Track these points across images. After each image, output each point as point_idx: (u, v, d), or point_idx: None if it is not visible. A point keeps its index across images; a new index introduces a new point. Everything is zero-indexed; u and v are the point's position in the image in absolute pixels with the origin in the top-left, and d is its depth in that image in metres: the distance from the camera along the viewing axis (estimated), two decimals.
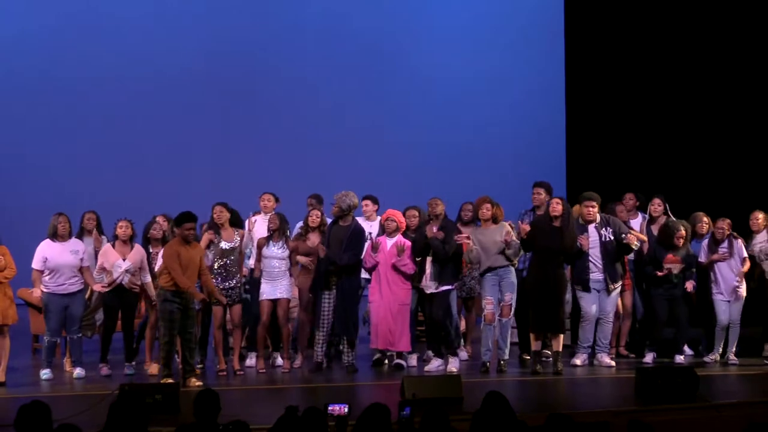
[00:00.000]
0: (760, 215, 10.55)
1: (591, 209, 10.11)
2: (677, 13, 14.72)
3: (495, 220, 10.01)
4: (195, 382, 9.14)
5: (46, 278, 9.64)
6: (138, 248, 9.99)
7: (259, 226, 10.58)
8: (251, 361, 10.41)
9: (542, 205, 10.44)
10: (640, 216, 11.07)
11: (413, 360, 10.35)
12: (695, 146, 14.41)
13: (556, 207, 9.81)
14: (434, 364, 10.03)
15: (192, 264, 9.30)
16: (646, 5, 15.01)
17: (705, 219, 10.72)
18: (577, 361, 10.20)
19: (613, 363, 10.22)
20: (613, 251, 10.06)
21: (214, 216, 10.11)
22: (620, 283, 10.18)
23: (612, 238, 10.07)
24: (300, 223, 10.57)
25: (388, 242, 10.10)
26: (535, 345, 9.97)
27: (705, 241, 10.53)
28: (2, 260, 9.30)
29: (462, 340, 10.66)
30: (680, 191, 11.53)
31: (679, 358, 10.33)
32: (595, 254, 10.05)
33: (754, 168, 13.94)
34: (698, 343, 10.79)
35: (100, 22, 15.42)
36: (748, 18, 14.12)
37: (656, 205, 10.94)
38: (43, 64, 15.28)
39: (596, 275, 10.07)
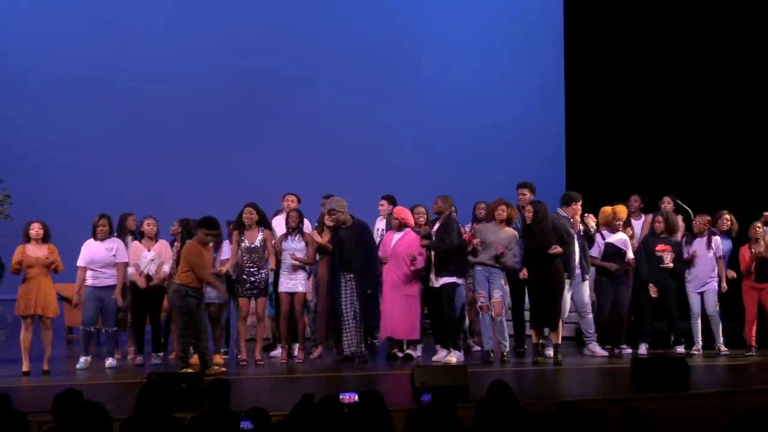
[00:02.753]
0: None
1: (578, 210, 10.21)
2: (674, 21, 14.63)
3: (509, 221, 9.99)
4: (218, 370, 9.13)
5: (86, 273, 9.80)
6: (162, 242, 10.18)
7: (278, 224, 10.58)
8: (275, 351, 10.41)
9: (528, 205, 10.44)
10: (644, 217, 11.00)
11: (419, 350, 10.34)
12: (692, 148, 14.32)
13: (527, 215, 9.80)
14: (440, 355, 10.00)
15: (207, 264, 9.34)
16: (643, 12, 14.93)
17: (726, 216, 10.69)
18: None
19: (605, 352, 10.20)
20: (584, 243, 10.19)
21: (244, 217, 10.04)
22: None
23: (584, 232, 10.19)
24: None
25: (395, 237, 10.09)
26: (535, 338, 9.93)
27: (684, 237, 10.54)
28: (50, 257, 9.51)
29: (469, 332, 10.67)
30: (678, 192, 11.47)
31: (679, 349, 10.28)
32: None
33: (750, 169, 13.83)
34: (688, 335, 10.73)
35: (131, 27, 15.53)
36: (743, 26, 14.01)
37: (632, 201, 10.92)
38: (76, 69, 15.39)
39: (576, 269, 10.10)
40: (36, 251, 9.54)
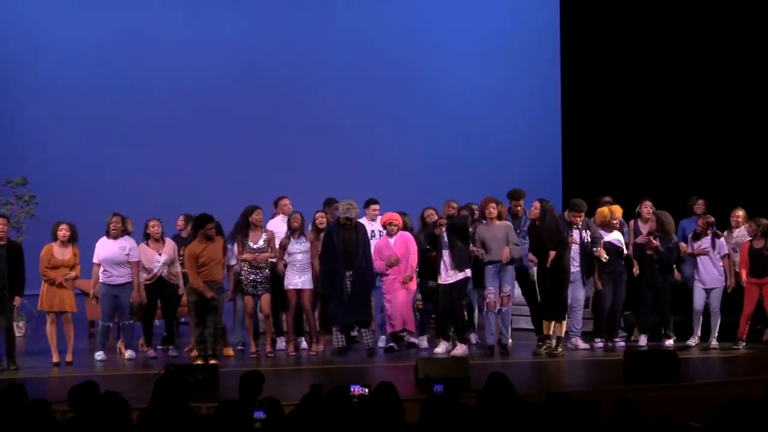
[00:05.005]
0: (740, 212, 10.53)
1: (577, 218, 10.09)
2: (668, 30, 14.61)
3: (500, 217, 10.02)
4: (216, 363, 9.11)
5: (101, 270, 9.79)
6: (170, 242, 10.15)
7: (276, 225, 10.58)
8: (281, 344, 10.44)
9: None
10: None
11: (424, 342, 10.36)
12: (687, 152, 14.30)
13: (534, 211, 9.85)
14: (442, 348, 10.01)
15: (214, 258, 9.35)
16: (637, 20, 14.91)
17: (739, 212, 10.70)
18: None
19: (587, 345, 10.20)
20: (590, 251, 10.07)
21: (254, 217, 10.01)
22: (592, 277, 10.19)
23: (589, 240, 10.08)
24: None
25: (391, 241, 10.13)
26: (546, 329, 9.93)
27: (690, 234, 10.53)
28: (73, 260, 9.59)
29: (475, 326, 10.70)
30: (668, 194, 11.47)
31: (668, 342, 10.28)
32: (575, 250, 10.02)
33: (740, 172, 13.81)
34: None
35: (150, 37, 15.68)
36: (736, 34, 14.00)
37: (647, 207, 10.86)
38: (99, 75, 15.56)
39: (574, 268, 10.03)
40: (62, 253, 9.58)
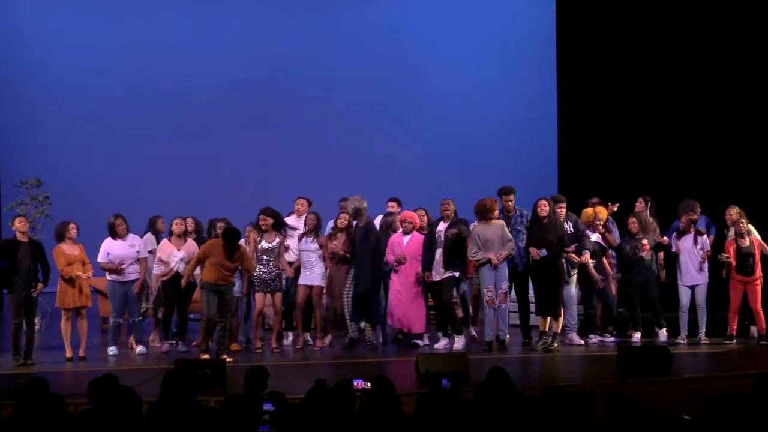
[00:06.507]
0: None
1: (560, 210, 10.12)
2: (661, 31, 14.60)
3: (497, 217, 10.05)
4: (226, 359, 9.15)
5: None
6: (191, 241, 10.19)
7: (291, 224, 10.60)
8: (288, 340, 10.45)
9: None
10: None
11: (425, 339, 10.36)
12: (679, 152, 14.29)
13: (543, 208, 9.83)
14: (442, 343, 10.04)
15: (224, 263, 9.35)
16: (632, 23, 14.90)
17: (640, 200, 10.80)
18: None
19: (582, 342, 10.20)
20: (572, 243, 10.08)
21: (260, 223, 10.04)
22: (576, 271, 10.15)
23: (573, 230, 10.11)
24: (331, 223, 10.66)
25: (405, 239, 10.14)
26: (541, 326, 9.94)
27: (675, 233, 10.54)
28: (82, 254, 9.65)
29: (470, 322, 10.71)
30: (664, 195, 11.46)
31: (662, 333, 10.30)
32: None
33: (733, 172, 13.81)
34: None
35: (160, 42, 15.69)
36: (729, 36, 14.00)
37: (639, 203, 10.90)
38: (107, 80, 15.58)
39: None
40: (72, 250, 9.63)
